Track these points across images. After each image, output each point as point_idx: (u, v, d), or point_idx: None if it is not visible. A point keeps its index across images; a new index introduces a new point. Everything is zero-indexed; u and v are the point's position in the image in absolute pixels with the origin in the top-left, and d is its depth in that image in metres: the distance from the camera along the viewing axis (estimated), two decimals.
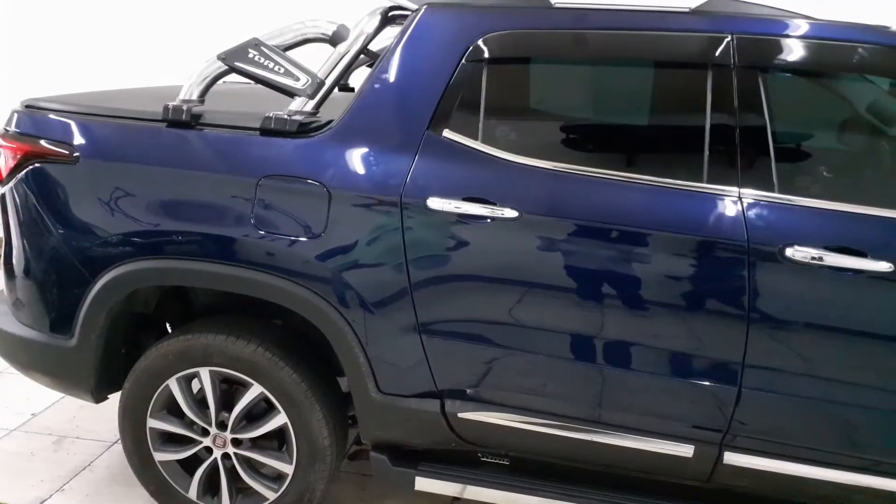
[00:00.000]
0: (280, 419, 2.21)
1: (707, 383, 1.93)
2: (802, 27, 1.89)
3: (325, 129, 2.07)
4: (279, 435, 2.26)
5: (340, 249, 2.02)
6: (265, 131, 2.07)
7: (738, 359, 1.89)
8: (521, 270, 1.97)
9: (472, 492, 2.18)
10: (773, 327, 1.86)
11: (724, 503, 2.09)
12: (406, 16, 2.10)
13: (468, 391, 2.09)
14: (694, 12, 1.95)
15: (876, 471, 1.92)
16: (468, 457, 2.24)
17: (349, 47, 2.12)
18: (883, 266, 1.77)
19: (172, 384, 2.24)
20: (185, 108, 2.11)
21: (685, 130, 2.00)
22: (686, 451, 2.00)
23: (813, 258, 1.79)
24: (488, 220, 1.94)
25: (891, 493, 1.92)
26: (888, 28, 1.91)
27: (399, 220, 1.97)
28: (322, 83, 2.08)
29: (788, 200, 1.85)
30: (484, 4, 2.08)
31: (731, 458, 1.98)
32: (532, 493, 2.14)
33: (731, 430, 1.95)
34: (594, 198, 1.93)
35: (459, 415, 2.09)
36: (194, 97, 2.15)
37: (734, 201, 1.85)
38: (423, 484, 2.18)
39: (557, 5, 2.01)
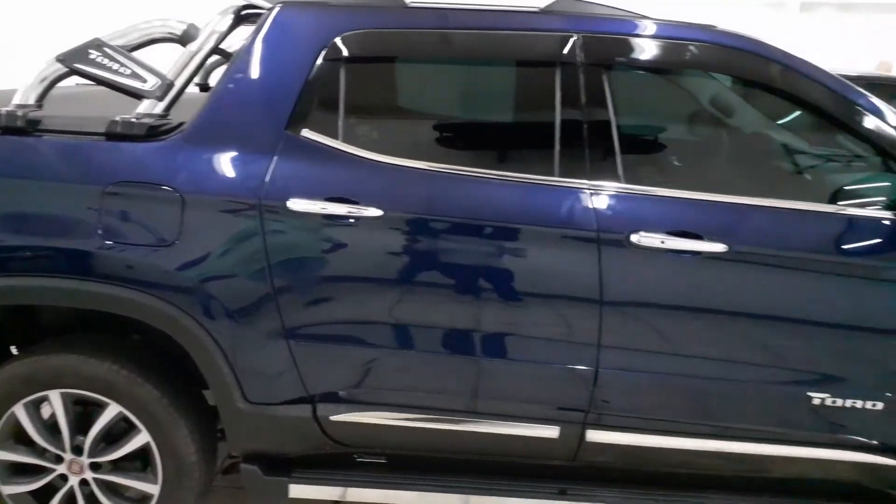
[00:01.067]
0: (142, 438, 2.09)
1: (568, 366, 2.02)
2: (641, 26, 2.03)
3: (177, 131, 1.99)
4: (142, 455, 2.15)
5: (197, 257, 1.94)
6: (111, 136, 1.96)
7: (594, 341, 1.99)
8: (387, 269, 1.98)
9: (350, 493, 2.17)
10: (624, 310, 1.98)
11: (589, 480, 2.20)
12: (259, 14, 2.06)
13: (340, 393, 2.07)
14: (542, 12, 2.05)
15: (721, 436, 2.08)
16: (344, 459, 2.23)
17: (200, 47, 2.05)
18: (718, 247, 1.93)
19: (19, 410, 2.07)
20: (20, 113, 1.96)
21: (537, 127, 2.08)
22: (552, 432, 2.08)
23: (655, 243, 1.92)
24: (352, 220, 1.94)
25: (732, 453, 2.09)
26: (714, 27, 2.08)
27: (259, 223, 1.93)
28: (171, 84, 2.00)
29: (633, 190, 1.97)
30: (338, 3, 2.08)
31: (594, 435, 2.09)
32: (410, 488, 2.15)
33: (592, 409, 2.06)
34: (455, 194, 1.97)
35: (332, 418, 2.08)
36: (31, 101, 2.00)
37: (584, 193, 1.95)
38: (298, 490, 2.14)
39: (412, 4, 2.05)
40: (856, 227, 1.97)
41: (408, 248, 1.96)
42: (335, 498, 2.19)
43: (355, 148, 1.98)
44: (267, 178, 1.93)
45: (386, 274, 1.99)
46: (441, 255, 1.97)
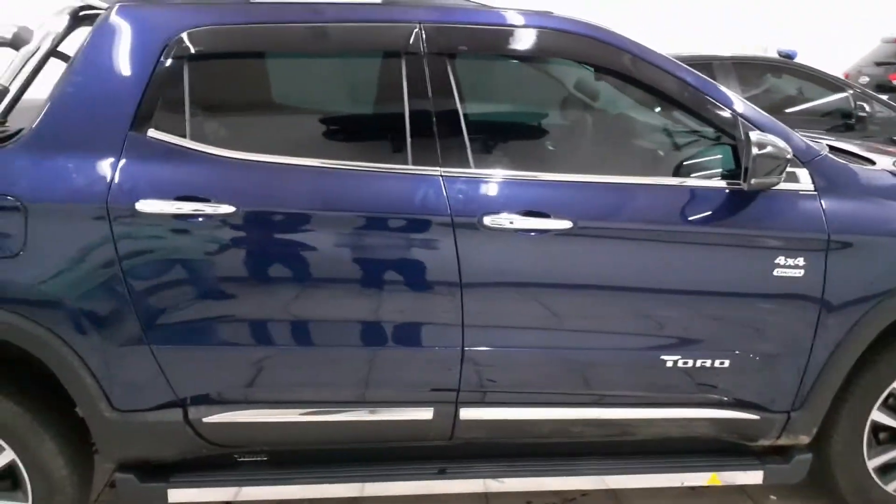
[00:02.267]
0: (6, 456, 2.03)
1: (435, 349, 2.08)
2: (480, 15, 2.08)
3: (15, 138, 1.92)
4: (10, 473, 2.08)
5: (46, 267, 1.89)
6: None
7: (458, 322, 2.05)
8: (245, 265, 1.98)
9: (245, 493, 2.14)
10: (483, 290, 2.04)
11: (468, 457, 2.26)
12: (97, 15, 2.00)
13: (210, 394, 2.06)
14: (385, 3, 2.07)
15: (586, 404, 2.18)
16: (224, 460, 2.22)
17: (35, 50, 1.98)
18: (564, 224, 2.01)
19: None
20: None
21: (387, 117, 2.12)
22: (426, 414, 2.13)
23: (505, 224, 1.98)
24: (204, 218, 1.92)
25: (597, 420, 2.20)
26: (550, 13, 2.16)
27: (108, 228, 1.89)
28: (6, 90, 1.93)
29: (483, 175, 2.03)
30: (178, 1, 2.05)
31: (467, 413, 2.15)
32: (292, 482, 2.17)
33: (463, 388, 2.12)
34: (309, 187, 1.98)
35: (205, 420, 2.06)
36: None
37: (436, 180, 1.99)
38: (177, 496, 2.12)
39: (254, 0, 2.04)
40: (695, 197, 2.09)
41: (264, 243, 1.97)
42: (228, 498, 2.17)
43: (204, 145, 1.96)
44: (114, 182, 1.89)
45: (244, 271, 1.98)
46: (299, 248, 1.98)
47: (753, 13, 8.95)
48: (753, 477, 2.29)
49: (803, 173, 2.12)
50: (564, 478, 2.24)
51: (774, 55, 6.24)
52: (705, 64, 5.47)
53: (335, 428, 2.13)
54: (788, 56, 6.16)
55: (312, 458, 2.23)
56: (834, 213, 2.10)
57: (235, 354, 2.04)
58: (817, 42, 8.35)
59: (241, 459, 2.23)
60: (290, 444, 2.19)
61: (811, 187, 2.11)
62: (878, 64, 8.05)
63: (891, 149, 3.03)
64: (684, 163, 2.19)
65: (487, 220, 1.98)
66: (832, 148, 2.54)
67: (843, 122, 5.83)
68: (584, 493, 2.62)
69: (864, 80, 7.70)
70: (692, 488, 2.62)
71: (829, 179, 2.14)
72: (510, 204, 2.01)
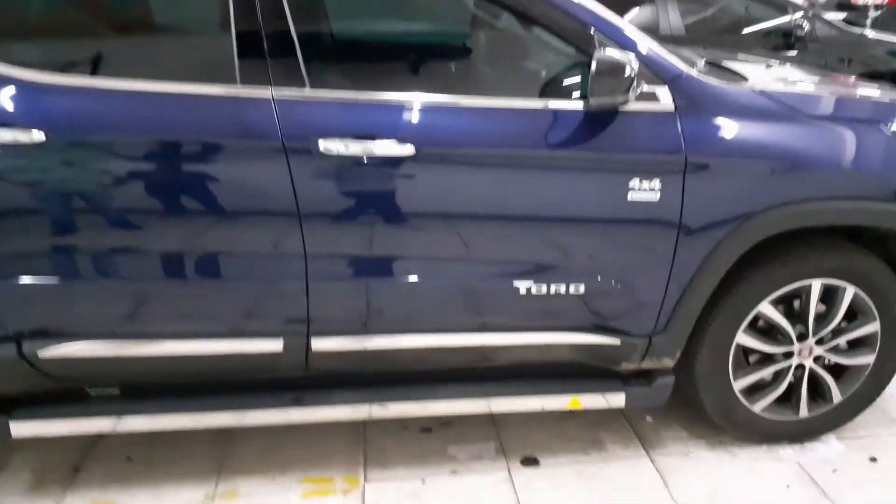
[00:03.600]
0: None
1: (279, 280, 2.00)
2: None
3: None
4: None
5: None
6: None
7: (299, 252, 1.97)
8: (67, 194, 1.86)
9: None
10: (322, 219, 1.95)
11: (325, 386, 2.23)
12: None
13: (44, 328, 1.99)
14: None
15: (440, 331, 2.14)
16: (75, 394, 2.17)
17: None
18: (407, 150, 1.90)
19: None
20: None
21: (213, 34, 1.96)
22: (276, 345, 2.08)
23: (341, 149, 1.87)
24: (16, 146, 1.79)
25: (452, 347, 2.16)
26: None
27: None
28: None
29: (318, 97, 1.90)
30: None
31: (319, 343, 2.10)
32: (141, 415, 2.13)
33: (312, 318, 2.06)
34: (126, 112, 1.84)
35: (40, 354, 2.00)
36: None
37: (267, 102, 1.86)
38: (20, 429, 2.08)
39: None
40: (545, 119, 1.98)
41: (84, 172, 1.84)
42: (62, 433, 2.13)
43: (9, 67, 1.80)
44: None
45: (67, 200, 1.87)
46: (123, 177, 1.86)
47: None
48: (615, 400, 2.29)
49: (664, 92, 2.01)
50: (424, 403, 2.23)
51: None
52: None
53: (180, 362, 2.08)
54: None
55: (167, 391, 2.19)
56: (693, 133, 2.01)
57: (67, 287, 1.95)
58: None
59: (93, 394, 2.19)
60: (137, 378, 2.14)
61: (671, 107, 2.01)
62: None
63: (789, 67, 2.92)
64: (547, 85, 2.07)
65: (322, 145, 1.87)
66: (711, 65, 2.43)
67: (784, 41, 5.83)
68: (461, 417, 2.64)
69: None
70: (570, 412, 2.65)
71: (691, 98, 2.03)
72: (347, 127, 1.89)
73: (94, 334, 2.01)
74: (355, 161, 1.90)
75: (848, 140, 2.12)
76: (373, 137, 1.89)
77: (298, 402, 2.19)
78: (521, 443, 2.51)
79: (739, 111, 2.06)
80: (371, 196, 1.95)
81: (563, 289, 2.11)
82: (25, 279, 1.92)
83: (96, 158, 1.85)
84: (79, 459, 2.42)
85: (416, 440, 2.53)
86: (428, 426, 2.60)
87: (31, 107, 1.81)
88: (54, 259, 1.92)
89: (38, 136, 1.79)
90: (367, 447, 2.49)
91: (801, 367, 2.40)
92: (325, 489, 2.28)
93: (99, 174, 1.86)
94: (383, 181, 1.94)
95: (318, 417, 2.21)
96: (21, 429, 2.08)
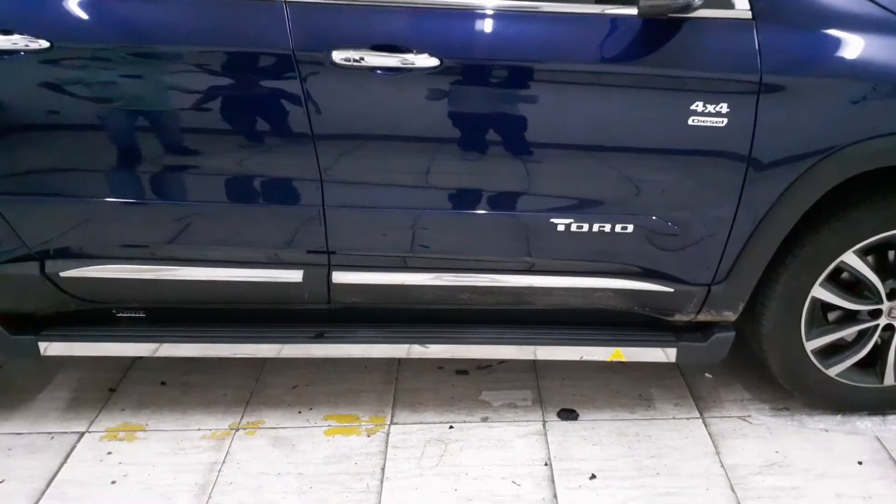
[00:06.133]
0: None
1: (293, 206, 1.87)
2: None
3: None
4: None
5: None
6: None
7: (315, 176, 1.82)
8: (76, 109, 1.76)
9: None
10: (338, 140, 1.79)
11: (349, 321, 2.12)
12: None
13: (66, 248, 1.95)
14: None
15: (469, 269, 1.97)
16: (104, 315, 2.15)
17: None
18: (430, 62, 1.69)
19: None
20: None
21: None
22: (296, 276, 1.97)
23: (358, 59, 1.69)
24: (26, 54, 1.70)
25: (483, 286, 1.98)
26: None
27: None
28: None
29: (333, 1, 1.71)
30: None
31: (340, 277, 1.98)
32: (167, 340, 2.09)
33: (332, 249, 1.93)
34: (127, 15, 1.71)
35: (62, 274, 1.97)
36: None
37: (278, 6, 1.69)
38: (51, 349, 2.08)
39: None
40: (592, 27, 1.71)
41: (91, 82, 1.74)
42: (97, 353, 2.12)
43: None
44: None
45: (78, 117, 1.78)
46: (127, 88, 1.74)
47: None
48: (664, 355, 2.06)
49: None
50: (451, 344, 2.07)
51: None
52: None
53: (201, 287, 2.00)
54: None
55: (189, 316, 2.13)
56: (773, 47, 1.68)
57: (88, 207, 1.89)
58: None
59: (121, 315, 2.16)
60: (157, 301, 2.09)
61: (748, 13, 1.69)
62: None
63: None
64: None
65: (336, 56, 1.69)
66: None
67: None
68: (500, 362, 2.48)
69: None
70: (621, 364, 2.44)
71: (774, 3, 1.70)
72: (364, 36, 1.69)
73: (112, 256, 1.96)
74: (373, 75, 1.70)
75: None
76: (392, 48, 1.69)
77: (321, 336, 2.09)
78: (561, 394, 2.32)
79: (833, 19, 1.71)
80: (389, 114, 1.76)
81: (607, 227, 1.87)
82: (43, 199, 1.88)
83: (100, 69, 1.74)
84: (115, 381, 2.44)
85: (450, 382, 2.40)
86: (464, 368, 2.46)
87: (35, 13, 1.71)
88: (70, 179, 1.86)
89: (43, 43, 1.70)
90: (399, 387, 2.38)
91: (889, 327, 2.08)
92: (349, 428, 2.20)
93: (101, 85, 1.74)
94: (403, 98, 1.74)
95: (353, 353, 2.10)
96: (51, 349, 2.08)
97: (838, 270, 1.98)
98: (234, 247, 1.95)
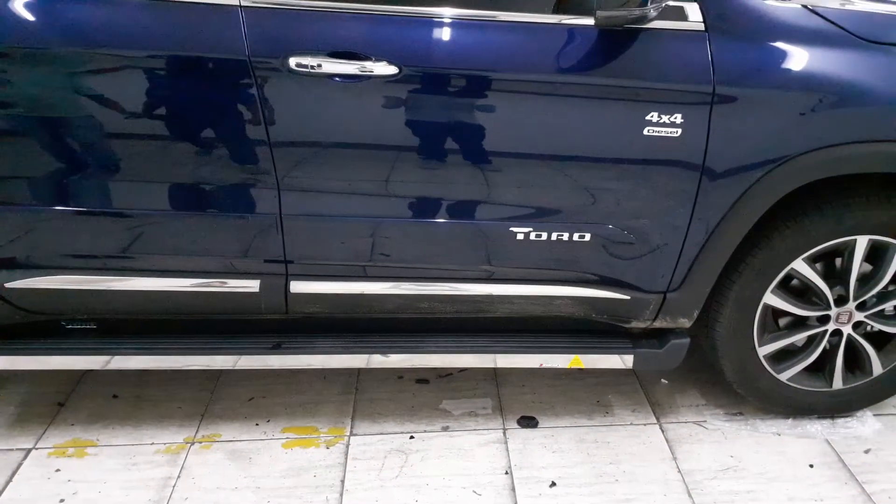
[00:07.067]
0: None
1: (249, 215, 1.84)
2: None
3: None
4: None
5: None
6: None
7: (272, 185, 1.80)
8: (24, 117, 1.72)
9: (55, 361, 2.03)
10: (296, 147, 1.76)
11: (307, 331, 2.09)
12: None
13: (12, 258, 1.88)
14: None
15: (428, 279, 1.96)
16: (52, 327, 2.08)
17: None
18: (389, 69, 1.69)
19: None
20: None
21: None
22: (252, 285, 1.94)
23: (315, 66, 1.67)
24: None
25: (442, 295, 1.98)
26: None
27: None
28: None
29: (291, 5, 1.69)
30: None
31: (298, 286, 1.95)
32: (115, 353, 2.03)
33: (289, 258, 1.90)
34: (79, 17, 1.67)
35: (7, 285, 1.90)
36: None
37: (234, 11, 1.66)
38: None
39: None
40: (551, 37, 1.73)
41: (43, 88, 1.68)
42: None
43: None
44: None
45: (23, 123, 1.72)
46: (78, 98, 1.70)
47: None
48: (621, 361, 2.08)
49: (693, 8, 1.73)
50: (412, 354, 2.06)
51: None
52: None
53: (154, 298, 1.95)
54: None
55: (142, 327, 2.08)
56: (725, 58, 1.72)
57: (34, 216, 1.83)
58: None
59: (69, 327, 2.10)
60: (108, 313, 2.03)
61: (700, 25, 1.73)
62: None
63: None
64: None
65: (293, 62, 1.67)
66: None
67: None
68: (461, 370, 2.48)
69: None
70: (580, 372, 2.46)
71: (725, 16, 1.74)
72: (322, 42, 1.68)
73: (61, 267, 1.90)
74: (331, 82, 1.69)
75: None
76: (350, 55, 1.68)
77: (280, 347, 2.05)
78: (521, 402, 2.33)
79: (782, 32, 1.76)
80: (348, 122, 1.75)
81: (565, 236, 1.89)
82: None
83: (50, 74, 1.69)
84: (65, 395, 2.36)
85: (410, 392, 2.38)
86: (425, 377, 2.45)
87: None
88: (15, 186, 1.80)
89: None
90: (358, 397, 2.35)
91: (837, 333, 2.14)
92: (308, 440, 2.17)
93: (53, 93, 1.70)
94: (361, 105, 1.73)
95: (312, 364, 2.06)
96: None
97: (789, 277, 2.03)
98: (188, 256, 1.91)
